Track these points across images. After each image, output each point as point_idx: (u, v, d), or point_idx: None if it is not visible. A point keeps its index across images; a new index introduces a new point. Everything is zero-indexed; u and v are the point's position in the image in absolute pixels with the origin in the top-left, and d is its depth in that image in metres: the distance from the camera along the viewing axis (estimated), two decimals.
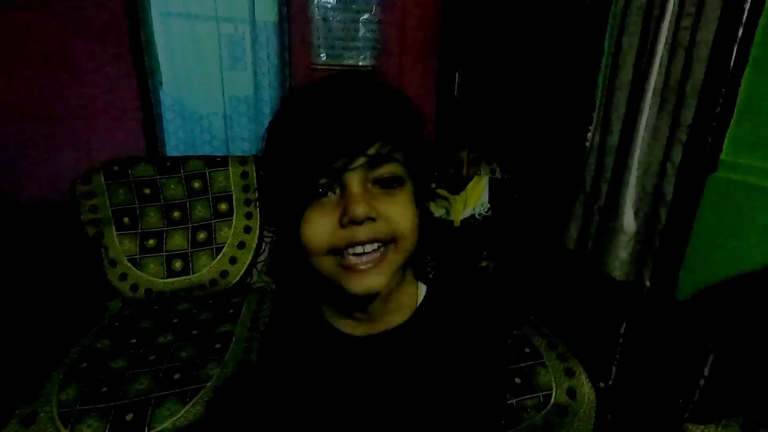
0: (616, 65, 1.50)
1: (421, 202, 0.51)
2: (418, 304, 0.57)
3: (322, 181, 0.45)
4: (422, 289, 0.59)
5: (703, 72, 1.27)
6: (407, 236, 0.47)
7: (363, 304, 0.52)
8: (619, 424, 0.90)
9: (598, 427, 0.88)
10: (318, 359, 0.55)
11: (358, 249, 0.45)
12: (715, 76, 1.24)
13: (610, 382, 0.92)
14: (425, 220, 0.51)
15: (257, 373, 0.60)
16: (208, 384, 0.99)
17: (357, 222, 0.44)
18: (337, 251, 0.46)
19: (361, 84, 0.49)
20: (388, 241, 0.46)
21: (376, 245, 0.46)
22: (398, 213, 0.47)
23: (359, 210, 0.43)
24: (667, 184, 1.41)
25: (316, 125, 0.44)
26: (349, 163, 0.44)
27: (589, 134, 1.69)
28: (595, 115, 1.66)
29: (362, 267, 0.45)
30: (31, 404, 0.91)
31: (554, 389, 0.98)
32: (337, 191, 0.46)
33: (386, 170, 0.46)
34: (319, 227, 0.45)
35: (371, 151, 0.45)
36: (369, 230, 0.45)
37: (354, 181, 0.45)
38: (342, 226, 0.45)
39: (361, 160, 0.44)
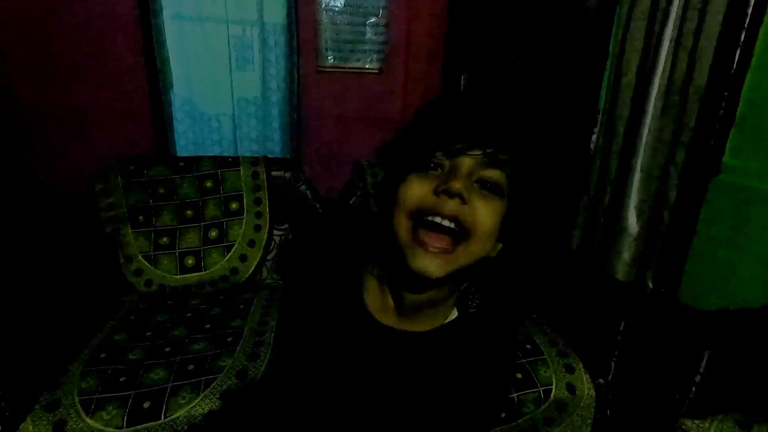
0: (619, 68, 1.52)
1: (508, 230, 0.53)
2: (446, 321, 0.59)
3: (439, 154, 0.50)
4: (454, 313, 0.61)
5: (706, 75, 1.28)
6: (482, 239, 0.50)
7: (413, 288, 0.54)
8: (617, 419, 0.92)
9: (597, 422, 0.90)
10: (349, 342, 0.57)
11: (437, 218, 0.48)
12: (717, 79, 1.26)
13: (609, 378, 0.95)
14: (499, 257, 0.54)
15: (274, 359, 0.63)
16: (221, 375, 1.03)
17: (449, 194, 0.47)
18: (419, 216, 0.49)
19: (515, 110, 0.55)
20: (462, 234, 0.49)
21: (452, 226, 0.48)
22: (485, 214, 0.49)
23: (458, 184, 0.47)
24: (671, 187, 1.42)
25: (457, 112, 0.50)
26: (468, 149, 0.48)
27: (594, 136, 1.71)
28: (599, 118, 1.68)
29: (431, 248, 0.48)
30: (53, 392, 0.95)
31: (554, 384, 1.01)
32: (446, 169, 0.50)
33: (492, 174, 0.50)
34: (416, 188, 0.49)
35: (489, 149, 0.49)
36: (454, 207, 0.47)
37: (464, 165, 0.49)
38: (435, 194, 0.48)
39: (478, 151, 0.48)
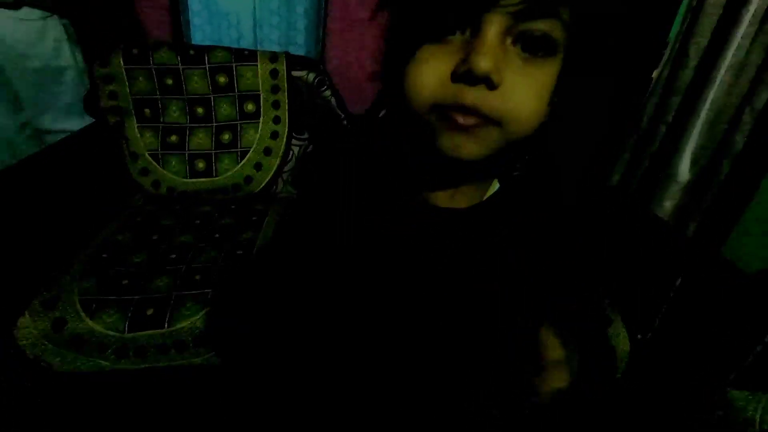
0: None
1: (570, 83, 0.39)
2: (487, 196, 0.49)
3: (453, 13, 0.34)
4: (495, 186, 0.50)
5: None
6: (521, 126, 0.37)
7: (451, 168, 0.44)
8: (650, 378, 0.86)
9: (626, 378, 0.84)
10: (389, 220, 0.48)
11: (459, 117, 0.36)
12: None
13: (649, 335, 0.88)
14: (562, 109, 0.39)
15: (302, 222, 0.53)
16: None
17: (473, 78, 0.34)
18: (441, 110, 0.36)
19: None
20: (491, 121, 0.36)
21: (476, 123, 0.36)
22: (527, 94, 0.35)
23: (483, 62, 0.33)
24: (740, 133, 1.26)
25: None
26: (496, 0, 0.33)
27: (656, 71, 1.51)
28: (668, 49, 1.47)
29: (463, 123, 0.36)
30: (51, 288, 0.90)
31: None
32: (467, 33, 0.35)
33: (540, 27, 0.34)
34: (430, 72, 0.35)
35: None
36: (480, 97, 0.34)
37: (493, 25, 0.33)
38: (454, 78, 0.35)
39: (514, 0, 0.32)
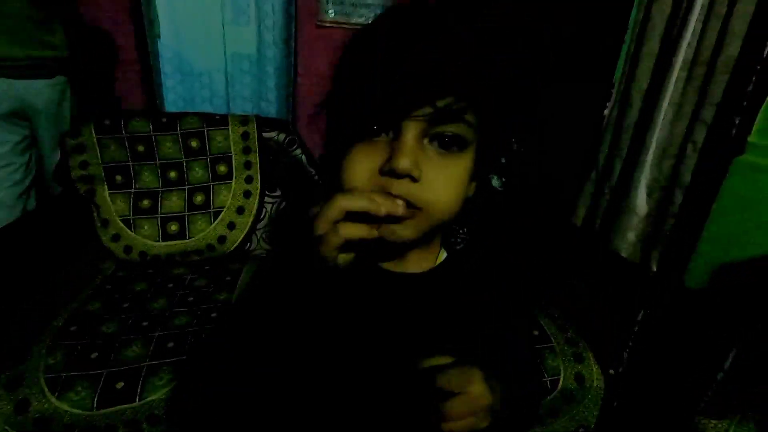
0: (642, 35, 1.41)
1: (482, 172, 0.46)
2: (437, 263, 0.54)
3: (377, 122, 0.41)
4: (443, 254, 0.55)
5: (738, 46, 1.19)
6: (441, 210, 0.43)
7: (392, 248, 0.49)
8: (625, 412, 0.87)
9: (604, 414, 0.85)
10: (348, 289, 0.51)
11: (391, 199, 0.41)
12: (750, 51, 1.16)
13: (621, 369, 0.89)
14: (479, 194, 0.46)
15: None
16: None
17: (396, 174, 0.39)
18: None
19: (465, 17, 0.42)
20: (416, 208, 0.41)
21: (403, 204, 0.41)
22: (444, 184, 0.42)
23: (403, 163, 0.39)
24: (686, 166, 1.35)
25: (390, 57, 0.38)
26: (411, 110, 0.39)
27: (606, 110, 1.62)
28: (614, 90, 1.58)
29: (393, 212, 0.40)
30: (15, 367, 0.87)
31: (562, 374, 0.95)
32: (390, 134, 0.41)
33: (451, 129, 0.41)
34: (360, 167, 0.41)
35: (440, 104, 0.39)
36: (404, 188, 0.40)
37: (410, 131, 0.40)
38: (381, 173, 0.41)
39: (426, 111, 0.38)
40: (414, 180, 0.40)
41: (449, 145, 0.41)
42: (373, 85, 0.38)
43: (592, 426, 0.90)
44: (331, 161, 0.45)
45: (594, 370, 0.89)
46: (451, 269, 0.54)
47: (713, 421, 0.74)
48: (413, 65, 0.37)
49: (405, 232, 0.42)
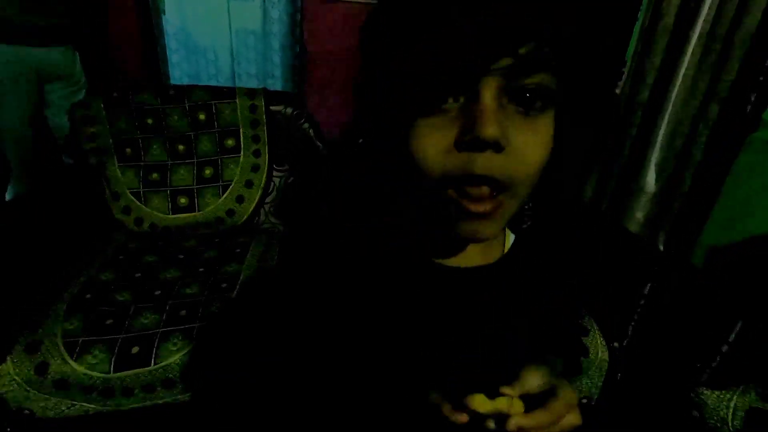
0: (658, 10, 1.37)
1: (565, 134, 0.38)
2: (504, 252, 0.49)
3: (448, 85, 0.34)
4: (510, 237, 0.50)
5: (757, 20, 1.16)
6: (530, 185, 0.37)
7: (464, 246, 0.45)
8: (628, 384, 0.89)
9: (607, 386, 0.87)
10: (408, 290, 0.47)
11: (473, 190, 0.35)
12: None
13: (625, 343, 0.91)
14: (555, 160, 0.38)
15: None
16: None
17: (480, 145, 0.33)
18: (453, 181, 0.35)
19: None
20: (504, 186, 0.35)
21: (488, 193, 0.35)
22: (532, 151, 0.35)
23: (490, 129, 0.32)
24: (697, 145, 1.33)
25: (453, 7, 0.31)
26: (490, 62, 0.32)
27: (617, 89, 1.59)
28: (627, 67, 1.55)
29: (473, 210, 0.36)
30: (34, 332, 0.89)
31: None
32: (461, 99, 0.34)
33: (535, 80, 0.34)
34: (432, 146, 0.35)
35: (522, 51, 0.32)
36: (488, 163, 0.34)
37: (489, 89, 0.33)
38: (459, 147, 0.34)
39: (506, 62, 0.32)
40: (500, 150, 0.33)
41: (532, 101, 0.34)
42: (440, 42, 0.32)
43: (596, 398, 0.92)
44: (388, 134, 0.39)
45: (599, 342, 0.90)
46: (522, 255, 0.49)
47: (716, 392, 0.75)
48: (488, 8, 0.31)
49: (490, 229, 0.37)
